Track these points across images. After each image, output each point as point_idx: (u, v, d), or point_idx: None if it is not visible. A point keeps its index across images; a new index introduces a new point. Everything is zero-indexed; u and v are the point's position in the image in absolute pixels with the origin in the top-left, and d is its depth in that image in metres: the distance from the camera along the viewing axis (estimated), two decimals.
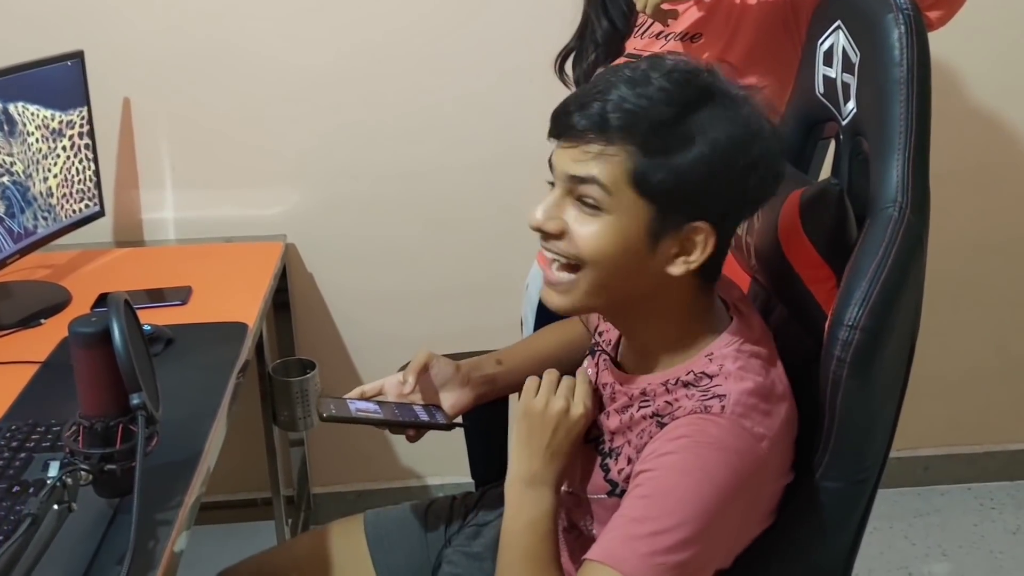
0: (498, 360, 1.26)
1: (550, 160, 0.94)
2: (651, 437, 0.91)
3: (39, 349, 1.42)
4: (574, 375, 1.08)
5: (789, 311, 1.04)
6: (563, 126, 0.91)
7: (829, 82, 1.07)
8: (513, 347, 1.31)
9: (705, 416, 0.87)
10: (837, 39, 1.04)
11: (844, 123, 1.03)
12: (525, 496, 0.99)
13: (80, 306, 1.60)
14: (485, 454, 1.44)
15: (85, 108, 1.70)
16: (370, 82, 1.88)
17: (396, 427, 1.20)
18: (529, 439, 1.00)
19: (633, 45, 1.46)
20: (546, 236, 0.93)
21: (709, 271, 0.93)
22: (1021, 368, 2.23)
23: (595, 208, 0.89)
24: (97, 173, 1.75)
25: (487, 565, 1.23)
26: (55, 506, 0.89)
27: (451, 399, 1.23)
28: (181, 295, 1.61)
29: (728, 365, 0.91)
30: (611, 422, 1.01)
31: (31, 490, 1.05)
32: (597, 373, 1.10)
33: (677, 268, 0.91)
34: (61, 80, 1.64)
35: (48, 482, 0.90)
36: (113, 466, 0.96)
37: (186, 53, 1.82)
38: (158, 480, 1.05)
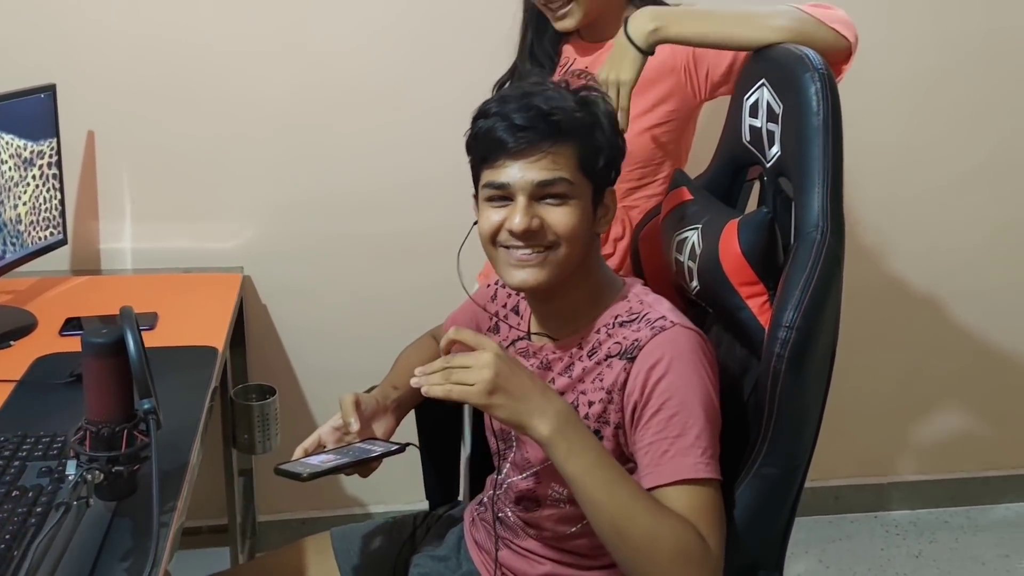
0: (393, 386, 1.37)
1: (489, 180, 1.11)
2: (625, 371, 1.09)
3: (12, 369, 1.47)
4: None
5: (726, 325, 1.19)
6: (509, 146, 1.09)
7: (755, 131, 1.24)
8: (394, 373, 1.42)
9: (665, 333, 1.09)
10: (762, 94, 1.21)
11: (768, 165, 1.20)
12: (572, 439, 1.02)
13: (47, 330, 1.65)
14: (439, 474, 1.54)
15: (55, 139, 1.76)
16: (328, 122, 1.98)
17: (359, 467, 1.25)
18: (516, 400, 1.02)
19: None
20: (526, 236, 1.09)
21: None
22: (923, 407, 2.43)
23: (563, 198, 1.10)
24: (63, 202, 1.81)
25: (451, 564, 1.33)
26: (75, 503, 0.95)
27: (381, 428, 1.32)
28: (148, 320, 1.67)
29: (645, 298, 1.16)
30: (558, 385, 1.16)
31: (29, 494, 1.10)
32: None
33: (601, 227, 1.17)
34: (34, 111, 1.71)
35: (70, 477, 0.96)
36: (120, 468, 1.01)
37: (150, 89, 1.90)
38: (151, 488, 1.07)
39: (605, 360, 1.12)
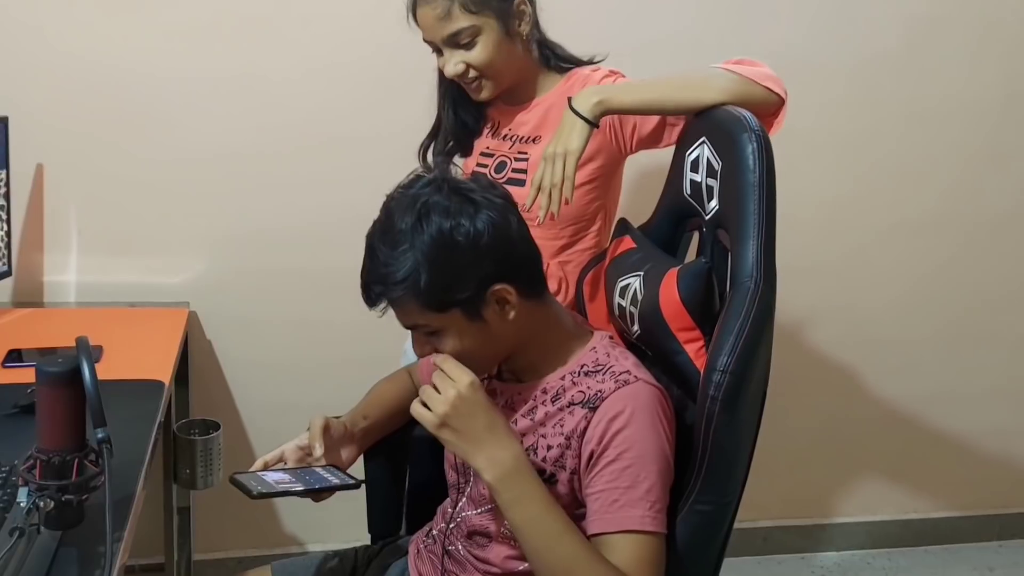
0: (364, 415, 1.45)
1: None
2: (585, 420, 1.13)
3: None
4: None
5: (664, 367, 1.25)
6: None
7: (695, 185, 1.32)
8: (366, 403, 1.49)
9: (628, 388, 1.13)
10: (702, 151, 1.29)
11: (708, 217, 1.28)
12: (517, 485, 1.07)
13: None
14: (384, 509, 1.57)
15: (4, 170, 1.76)
16: (274, 158, 2.01)
17: (313, 495, 1.29)
18: (464, 441, 1.08)
19: (485, 144, 1.65)
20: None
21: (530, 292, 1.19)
22: (846, 450, 2.53)
23: (433, 333, 1.17)
24: (9, 234, 1.81)
25: None
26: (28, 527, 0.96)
27: (346, 454, 1.39)
28: (94, 354, 1.66)
29: (612, 352, 1.20)
30: (519, 426, 1.21)
31: None
32: None
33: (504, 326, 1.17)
34: None
35: (22, 504, 0.97)
36: (70, 496, 1.02)
37: (101, 123, 1.92)
38: (96, 518, 1.07)
39: (568, 407, 1.17)
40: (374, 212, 2.12)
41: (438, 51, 1.54)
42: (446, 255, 1.09)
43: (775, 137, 1.27)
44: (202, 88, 1.95)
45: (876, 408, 2.50)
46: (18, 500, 1.00)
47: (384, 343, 1.92)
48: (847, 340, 2.43)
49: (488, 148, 1.64)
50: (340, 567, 1.44)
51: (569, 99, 1.39)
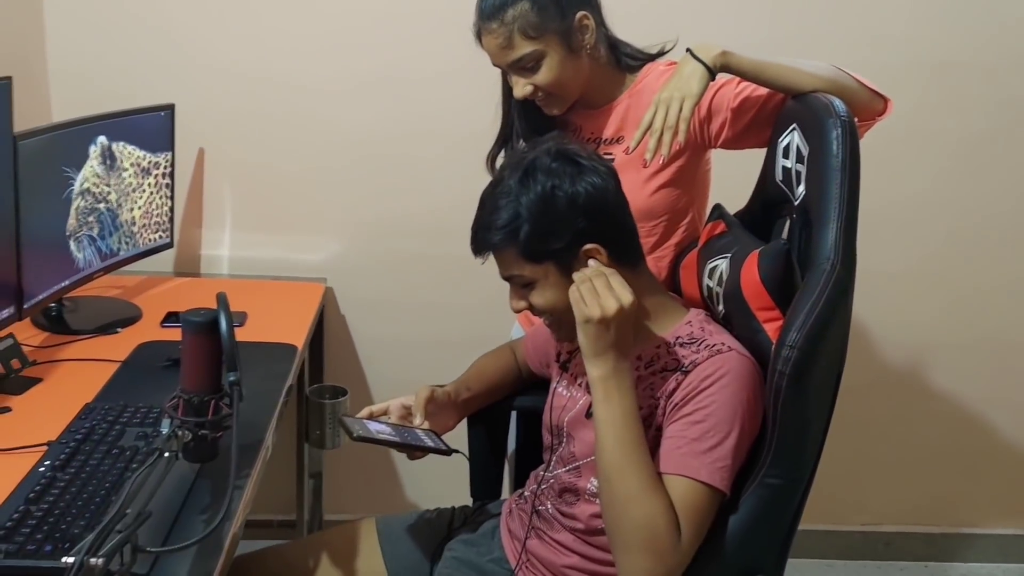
0: (467, 387, 1.57)
1: None
2: (677, 383, 1.20)
3: (118, 351, 1.68)
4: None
5: (746, 346, 1.28)
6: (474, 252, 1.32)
7: (786, 171, 1.34)
8: (470, 375, 1.61)
9: (721, 356, 1.19)
10: (793, 137, 1.31)
11: (796, 203, 1.29)
12: (611, 391, 1.16)
13: (150, 321, 1.86)
14: (484, 474, 1.67)
15: (170, 152, 1.99)
16: (407, 150, 2.15)
17: (407, 449, 1.42)
18: (596, 343, 1.16)
19: None
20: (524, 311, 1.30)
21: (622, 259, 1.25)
22: (979, 458, 2.42)
23: (528, 286, 1.28)
24: (172, 209, 2.03)
25: (483, 549, 1.45)
26: (166, 454, 1.11)
27: (446, 421, 1.51)
28: (239, 318, 1.86)
29: (707, 327, 1.27)
30: None
31: (127, 453, 1.29)
32: (576, 375, 1.37)
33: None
34: (154, 127, 1.94)
35: (164, 432, 1.13)
36: (205, 432, 1.16)
37: (255, 115, 2.12)
38: (228, 458, 1.21)
39: (660, 372, 1.24)
40: None
41: (506, 73, 1.56)
42: (545, 209, 1.20)
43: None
44: (345, 87, 2.11)
45: (1011, 415, 2.39)
46: (161, 428, 1.16)
47: (495, 324, 2.05)
48: (977, 344, 2.33)
49: None
50: (438, 522, 1.55)
51: (688, 49, 1.39)
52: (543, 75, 1.51)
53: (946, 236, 2.23)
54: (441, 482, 1.82)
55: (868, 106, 1.38)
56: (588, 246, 1.21)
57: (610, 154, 1.59)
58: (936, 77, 2.11)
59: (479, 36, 1.53)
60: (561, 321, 1.27)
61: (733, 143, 1.51)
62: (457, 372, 1.71)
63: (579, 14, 1.50)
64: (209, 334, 1.18)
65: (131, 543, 0.96)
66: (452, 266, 2.22)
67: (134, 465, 1.26)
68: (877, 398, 2.33)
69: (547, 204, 1.20)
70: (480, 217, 1.28)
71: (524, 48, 1.48)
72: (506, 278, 1.29)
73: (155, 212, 1.98)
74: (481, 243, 1.27)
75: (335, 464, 2.33)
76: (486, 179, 2.12)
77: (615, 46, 1.59)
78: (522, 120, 1.64)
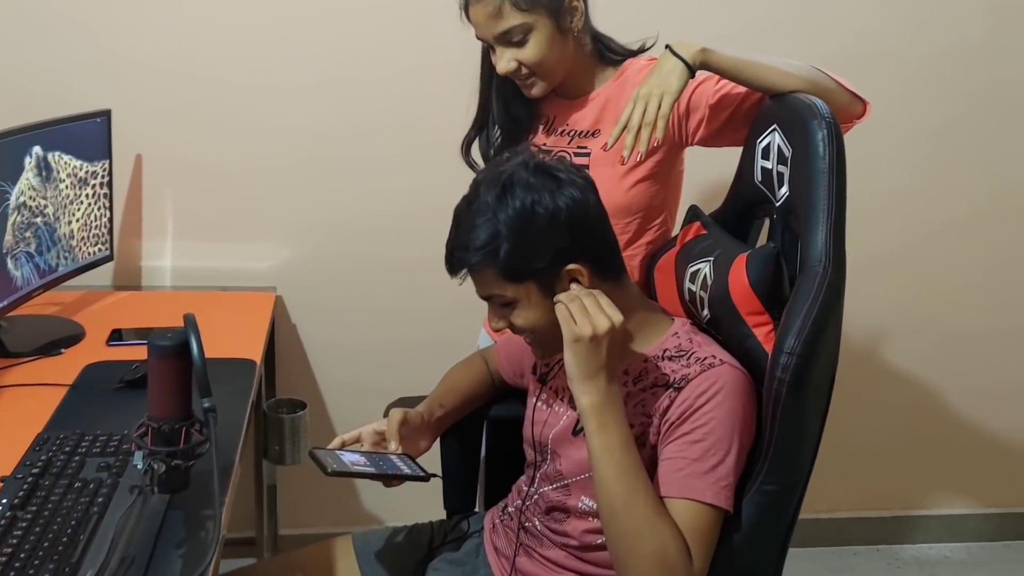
0: (440, 404, 1.51)
1: None
2: (669, 399, 1.17)
3: (65, 374, 1.58)
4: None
5: (734, 351, 1.27)
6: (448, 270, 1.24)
7: (766, 172, 1.33)
8: (442, 390, 1.55)
9: (714, 370, 1.17)
10: (773, 138, 1.31)
11: (778, 204, 1.29)
12: (606, 420, 1.12)
13: (95, 339, 1.76)
14: (458, 486, 1.63)
15: (108, 161, 1.88)
16: (356, 151, 2.08)
17: (383, 479, 1.36)
18: (587, 364, 1.12)
19: (541, 141, 1.62)
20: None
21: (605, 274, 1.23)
22: (925, 444, 2.49)
23: (509, 306, 1.23)
24: (111, 220, 1.92)
25: (468, 568, 1.41)
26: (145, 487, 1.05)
27: (420, 444, 1.46)
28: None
29: (695, 338, 1.25)
30: None
31: (91, 486, 1.20)
32: (556, 388, 1.33)
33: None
34: (90, 134, 1.83)
35: (139, 466, 1.06)
36: (178, 462, 1.10)
37: (195, 117, 2.02)
38: (199, 484, 1.17)
39: (651, 388, 1.21)
40: (447, 204, 2.20)
41: (491, 48, 1.54)
42: (525, 227, 1.16)
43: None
44: (290, 86, 2.03)
45: (956, 401, 2.46)
46: (134, 463, 1.08)
47: (454, 328, 2.01)
48: (925, 332, 2.39)
49: (545, 145, 1.62)
50: (417, 539, 1.50)
51: (668, 45, 1.38)
52: (529, 51, 1.49)
53: (894, 226, 2.28)
54: (406, 491, 1.76)
55: (847, 108, 1.38)
56: (571, 266, 1.18)
57: (585, 147, 1.58)
58: (883, 68, 2.14)
59: (466, 6, 1.51)
60: (544, 340, 1.23)
61: (710, 141, 1.50)
62: (416, 378, 1.68)
63: None
64: (178, 358, 1.12)
65: None
66: (407, 269, 2.18)
67: (100, 500, 1.18)
68: None
69: (527, 221, 1.16)
70: (455, 236, 1.22)
71: (513, 19, 1.46)
72: (485, 298, 1.24)
73: (93, 224, 1.88)
74: (457, 263, 1.22)
75: (292, 476, 2.25)
76: (438, 179, 2.10)
77: (598, 37, 1.59)
78: (500, 102, 1.62)
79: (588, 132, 1.59)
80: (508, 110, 1.62)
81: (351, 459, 1.35)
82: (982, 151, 2.26)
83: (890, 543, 2.55)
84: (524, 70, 1.52)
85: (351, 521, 2.33)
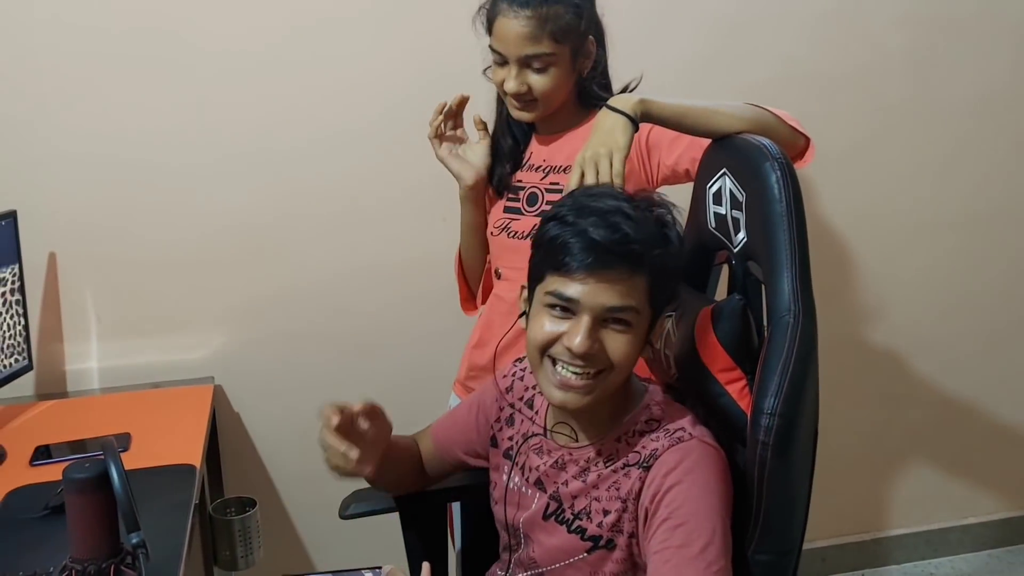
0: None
1: (556, 290, 1.09)
2: (640, 480, 1.09)
3: None
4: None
5: (707, 410, 1.21)
6: (587, 262, 1.06)
7: (720, 218, 1.27)
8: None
9: (682, 445, 1.10)
10: (724, 182, 1.25)
11: (736, 250, 1.23)
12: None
13: (17, 460, 1.61)
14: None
15: (16, 265, 1.74)
16: (285, 226, 1.99)
17: None
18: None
19: (517, 177, 1.62)
20: (584, 357, 1.08)
21: None
22: (895, 460, 2.46)
23: (627, 325, 1.09)
24: (27, 328, 1.79)
25: None
26: None
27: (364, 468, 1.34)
28: (122, 442, 1.64)
29: (667, 408, 1.18)
30: (570, 488, 1.17)
31: None
32: (524, 467, 1.24)
33: (646, 352, 1.17)
34: None
35: None
36: None
37: (109, 207, 1.90)
38: None
39: (623, 468, 1.13)
40: (390, 272, 2.11)
41: (502, 62, 1.51)
42: (680, 256, 1.17)
43: None
44: (205, 163, 1.93)
45: (922, 413, 2.43)
46: None
47: (412, 404, 1.91)
48: (884, 348, 2.37)
49: (519, 180, 1.61)
50: None
51: (605, 105, 1.32)
52: (544, 81, 1.49)
53: (844, 240, 2.26)
54: None
55: (790, 143, 1.35)
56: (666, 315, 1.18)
57: (557, 184, 1.55)
58: (811, 89, 2.13)
59: (494, 18, 1.49)
60: (603, 376, 1.12)
61: (672, 176, 1.48)
62: None
63: (591, 38, 1.53)
64: (99, 490, 1.02)
65: None
66: (349, 342, 2.08)
67: None
68: None
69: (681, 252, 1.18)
70: (626, 224, 1.09)
71: (545, 47, 1.46)
72: (610, 307, 1.08)
73: (7, 334, 1.73)
74: (630, 255, 1.08)
75: None
76: (368, 251, 2.04)
77: (584, 83, 1.58)
78: (508, 136, 1.64)
79: (562, 168, 1.56)
80: (515, 139, 1.64)
81: None
82: (911, 160, 2.27)
83: (874, 566, 2.49)
84: (530, 96, 1.52)
85: None
